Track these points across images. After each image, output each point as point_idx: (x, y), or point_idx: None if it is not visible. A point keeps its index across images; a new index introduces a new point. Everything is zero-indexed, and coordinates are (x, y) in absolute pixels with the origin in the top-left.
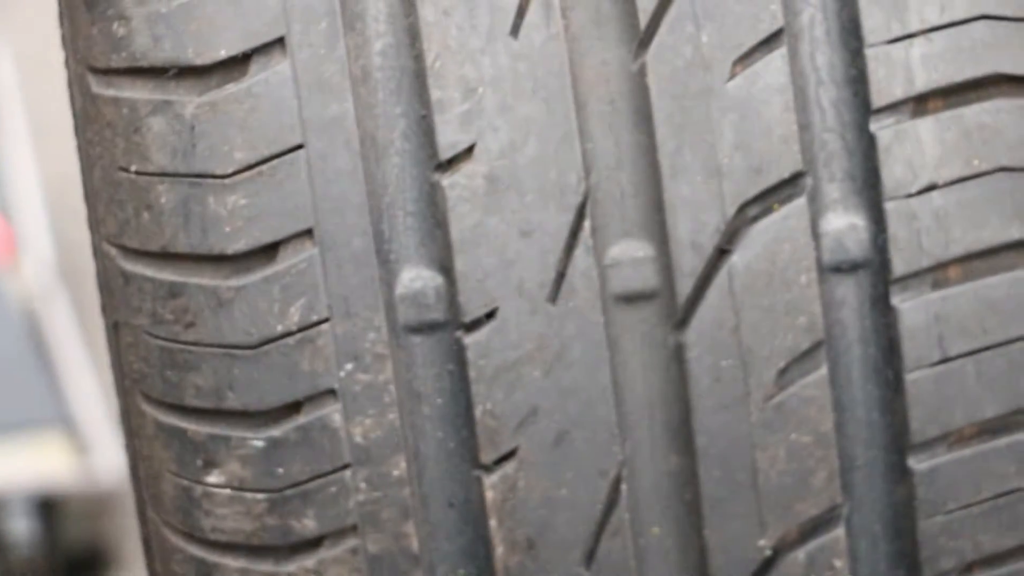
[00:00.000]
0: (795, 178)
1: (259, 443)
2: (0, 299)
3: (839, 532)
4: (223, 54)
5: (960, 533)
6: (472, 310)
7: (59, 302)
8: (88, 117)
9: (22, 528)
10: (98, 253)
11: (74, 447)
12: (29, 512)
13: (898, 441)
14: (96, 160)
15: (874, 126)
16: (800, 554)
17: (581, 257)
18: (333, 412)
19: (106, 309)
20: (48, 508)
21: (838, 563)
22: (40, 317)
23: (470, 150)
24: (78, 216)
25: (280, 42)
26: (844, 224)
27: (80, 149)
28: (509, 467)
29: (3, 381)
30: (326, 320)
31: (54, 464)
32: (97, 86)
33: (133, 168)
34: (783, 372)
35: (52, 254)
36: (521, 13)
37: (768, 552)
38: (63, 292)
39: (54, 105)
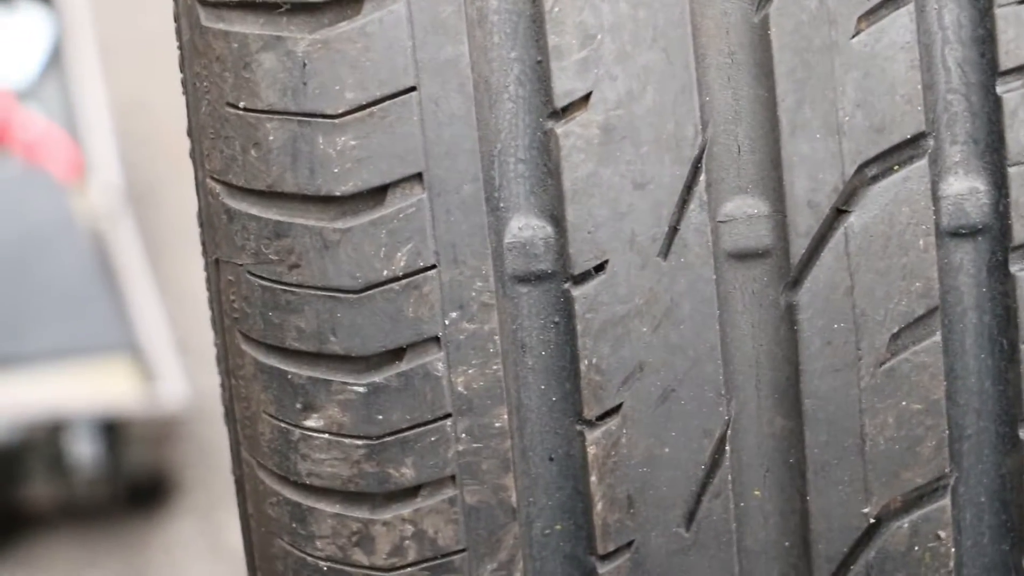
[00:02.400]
0: (917, 139)
1: (360, 388)
2: (68, 221)
3: (945, 502)
4: None
5: None
6: (581, 262)
7: (125, 225)
8: (196, 50)
9: (86, 452)
10: (201, 188)
11: (139, 373)
12: (93, 436)
13: (1010, 411)
14: (203, 94)
15: (1000, 88)
16: (904, 523)
17: (695, 212)
18: (436, 360)
19: (207, 245)
20: (112, 433)
21: (943, 534)
22: (107, 240)
23: (586, 98)
24: (145, 140)
25: None
26: (965, 188)
27: (186, 82)
28: (612, 423)
29: (71, 304)
30: (433, 267)
31: (119, 389)
32: (207, 19)
33: (242, 104)
34: (896, 337)
35: (119, 177)
36: None
37: (871, 520)
38: (129, 215)
39: (123, 29)
